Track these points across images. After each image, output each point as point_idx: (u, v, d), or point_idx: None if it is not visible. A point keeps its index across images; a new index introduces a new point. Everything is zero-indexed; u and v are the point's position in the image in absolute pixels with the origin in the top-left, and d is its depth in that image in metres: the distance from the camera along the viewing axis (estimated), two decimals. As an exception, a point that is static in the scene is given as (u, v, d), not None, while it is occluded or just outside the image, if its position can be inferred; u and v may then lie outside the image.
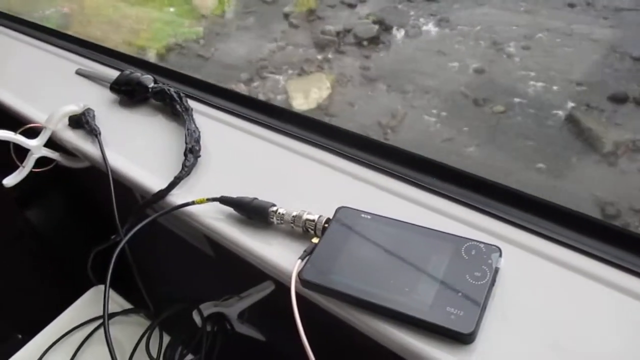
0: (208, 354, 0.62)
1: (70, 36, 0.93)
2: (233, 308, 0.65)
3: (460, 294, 0.42)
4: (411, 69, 1.94)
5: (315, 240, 0.50)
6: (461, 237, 0.46)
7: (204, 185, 0.61)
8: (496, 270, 0.44)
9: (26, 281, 1.05)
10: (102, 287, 0.80)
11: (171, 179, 0.60)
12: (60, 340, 0.72)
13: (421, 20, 2.18)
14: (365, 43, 2.09)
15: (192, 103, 0.71)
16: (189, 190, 0.60)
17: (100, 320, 0.74)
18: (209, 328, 0.64)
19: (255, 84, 2.02)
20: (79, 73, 0.85)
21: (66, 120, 0.74)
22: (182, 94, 0.70)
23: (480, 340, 0.41)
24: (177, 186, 0.60)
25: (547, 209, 0.49)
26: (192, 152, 0.62)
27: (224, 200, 0.56)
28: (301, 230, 0.52)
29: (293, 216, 0.52)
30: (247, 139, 0.66)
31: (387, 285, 0.44)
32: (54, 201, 1.08)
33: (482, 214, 0.50)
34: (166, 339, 0.67)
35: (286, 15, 2.42)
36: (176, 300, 0.70)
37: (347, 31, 2.17)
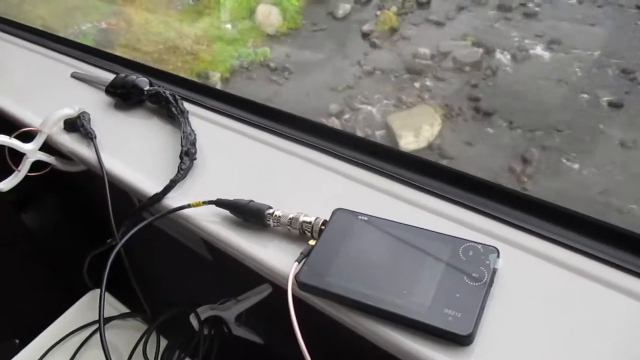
0: (205, 358, 0.62)
1: (65, 39, 0.93)
2: (230, 311, 0.65)
3: (458, 295, 0.42)
4: (531, 101, 1.63)
5: (312, 242, 0.49)
6: (458, 238, 0.46)
7: (200, 188, 0.60)
8: (494, 271, 0.43)
9: (22, 285, 1.04)
10: (98, 291, 0.80)
11: (167, 182, 0.59)
12: (57, 345, 0.72)
13: (527, 42, 1.88)
14: (467, 69, 1.85)
15: (187, 105, 0.71)
16: (185, 193, 0.60)
17: (96, 326, 0.73)
18: (206, 331, 0.63)
19: (346, 116, 1.76)
20: (74, 76, 0.85)
21: (61, 124, 0.74)
22: (177, 97, 0.70)
23: (478, 341, 0.41)
24: (173, 189, 0.60)
25: (544, 209, 0.49)
26: (187, 155, 0.62)
27: (220, 203, 0.55)
28: (298, 232, 0.51)
29: (289, 218, 0.51)
30: (243, 141, 0.66)
31: (385, 287, 0.44)
32: (49, 205, 1.08)
33: (480, 214, 0.50)
34: (163, 342, 0.67)
35: (365, 35, 2.15)
36: (173, 303, 0.69)
37: (444, 54, 1.91)
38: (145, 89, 0.73)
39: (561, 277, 0.44)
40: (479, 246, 0.45)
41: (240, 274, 0.76)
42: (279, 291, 0.65)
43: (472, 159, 1.55)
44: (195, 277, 0.94)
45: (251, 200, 0.54)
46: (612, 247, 0.45)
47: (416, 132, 1.63)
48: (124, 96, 0.75)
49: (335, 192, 0.56)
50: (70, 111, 0.73)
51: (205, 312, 0.64)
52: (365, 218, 0.50)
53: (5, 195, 0.95)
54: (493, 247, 0.45)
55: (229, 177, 0.61)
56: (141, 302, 0.69)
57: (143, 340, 0.65)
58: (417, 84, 1.84)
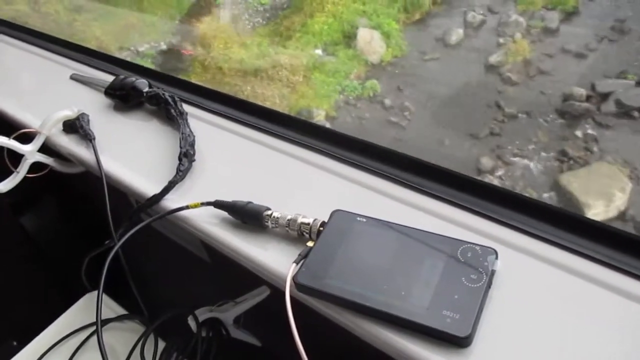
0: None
1: (64, 41, 0.93)
2: (228, 313, 0.65)
3: (456, 297, 0.42)
4: None
5: (310, 244, 0.49)
6: (457, 239, 0.46)
7: (198, 190, 0.60)
8: (492, 273, 0.43)
9: (20, 288, 1.04)
10: (96, 293, 0.79)
11: (165, 183, 0.59)
12: (54, 347, 0.71)
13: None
14: (636, 114, 1.48)
15: (186, 107, 0.71)
16: (184, 195, 0.60)
17: (94, 327, 0.73)
18: (204, 333, 0.63)
19: (499, 172, 1.35)
20: (73, 78, 0.85)
21: (60, 126, 0.74)
22: (176, 98, 0.70)
23: (477, 343, 0.41)
24: (172, 190, 0.60)
25: (542, 210, 0.48)
26: (186, 156, 0.62)
27: (218, 205, 0.55)
28: (296, 234, 0.51)
29: (288, 220, 0.51)
30: (242, 143, 0.66)
31: (383, 288, 0.44)
32: (48, 208, 1.08)
33: (478, 216, 0.50)
34: (161, 344, 0.67)
35: (492, 67, 1.71)
36: (171, 306, 0.69)
37: (603, 95, 1.48)
38: (145, 90, 0.73)
39: (560, 279, 0.44)
40: (477, 247, 0.45)
41: (239, 276, 0.76)
42: (277, 293, 0.65)
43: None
44: (193, 280, 0.93)
45: (249, 202, 0.54)
46: (611, 249, 0.45)
47: (607, 200, 1.25)
48: (123, 98, 0.75)
49: (333, 193, 0.56)
50: (69, 113, 0.73)
51: (203, 314, 0.64)
52: (364, 219, 0.50)
53: (4, 197, 0.95)
54: (491, 248, 0.45)
55: (227, 179, 0.61)
56: (139, 304, 0.69)
57: (141, 342, 0.64)
58: (578, 133, 1.47)
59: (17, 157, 0.72)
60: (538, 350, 0.40)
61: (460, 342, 0.40)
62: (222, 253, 0.79)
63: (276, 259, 0.50)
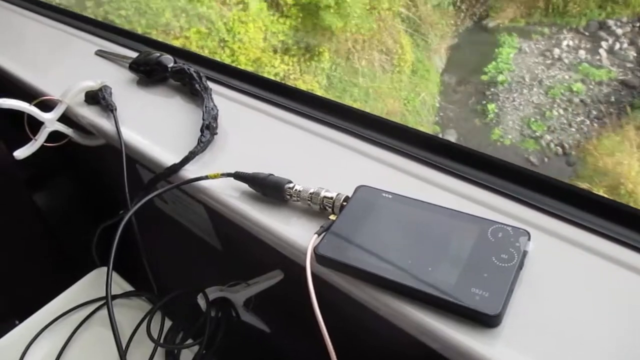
0: (210, 340, 0.59)
1: (90, 18, 0.93)
2: (239, 294, 0.63)
3: (485, 275, 0.40)
4: None
5: (332, 217, 0.48)
6: (487, 219, 0.44)
7: (219, 163, 0.59)
8: (524, 254, 0.41)
9: (29, 266, 1.03)
10: (104, 269, 0.78)
11: (186, 154, 0.58)
12: (58, 320, 0.70)
13: None
14: None
15: (211, 85, 0.70)
16: (204, 167, 0.58)
17: (100, 302, 0.71)
18: (213, 313, 0.61)
19: None
20: (98, 54, 0.85)
21: (82, 96, 0.73)
22: (201, 74, 0.69)
23: (506, 324, 0.38)
24: (192, 161, 0.58)
25: (577, 196, 0.46)
26: (208, 129, 0.61)
27: (238, 176, 0.54)
28: (318, 207, 0.49)
29: (310, 193, 0.50)
30: (266, 120, 0.64)
31: (408, 263, 0.42)
32: (62, 184, 1.07)
33: (510, 199, 0.48)
34: (168, 324, 0.65)
35: None
36: (176, 285, 0.67)
37: None
38: (170, 65, 0.72)
39: (593, 264, 0.42)
40: (509, 228, 0.43)
41: (251, 264, 0.74)
42: (291, 279, 0.63)
43: None
44: (205, 266, 0.92)
45: (271, 174, 0.53)
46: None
47: None
48: (148, 73, 0.75)
49: (357, 172, 0.54)
50: (92, 83, 0.72)
51: (213, 292, 0.62)
52: (390, 196, 0.48)
53: (18, 172, 0.94)
54: (524, 229, 0.43)
55: (249, 153, 0.60)
56: (148, 281, 0.68)
57: (147, 319, 0.62)
58: None
59: (37, 126, 0.72)
60: (570, 336, 0.38)
61: (489, 321, 0.38)
62: (234, 240, 0.78)
63: (297, 232, 0.49)
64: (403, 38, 4.46)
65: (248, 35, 4.11)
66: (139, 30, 3.94)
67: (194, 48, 3.96)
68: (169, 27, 4.05)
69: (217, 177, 0.54)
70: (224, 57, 4.04)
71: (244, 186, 0.54)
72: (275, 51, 4.18)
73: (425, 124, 4.17)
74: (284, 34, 4.27)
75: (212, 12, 4.09)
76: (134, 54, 0.80)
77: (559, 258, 0.43)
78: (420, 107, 4.25)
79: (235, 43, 4.06)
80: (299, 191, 0.50)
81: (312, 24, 4.24)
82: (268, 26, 4.19)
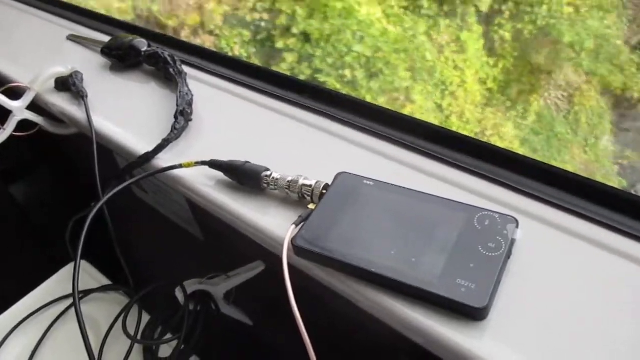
0: (189, 334, 0.57)
1: (61, 2, 0.89)
2: (219, 287, 0.60)
3: (472, 265, 0.38)
4: None
5: (311, 206, 0.45)
6: (473, 206, 0.42)
7: (194, 150, 0.56)
8: (512, 242, 0.39)
9: (6, 259, 0.99)
10: (81, 261, 0.75)
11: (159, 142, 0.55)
12: (32, 317, 0.67)
13: None
14: None
15: (186, 69, 0.67)
16: (178, 155, 0.56)
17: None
18: (191, 307, 0.59)
19: None
20: (70, 39, 0.81)
21: (52, 83, 0.70)
22: (176, 58, 0.66)
23: (493, 316, 0.36)
24: (165, 149, 0.55)
25: (565, 180, 0.44)
26: (182, 115, 0.58)
27: (213, 164, 0.51)
28: (297, 196, 0.47)
29: (288, 181, 0.47)
30: (242, 105, 0.61)
31: (391, 254, 0.40)
32: (38, 175, 1.03)
33: (497, 185, 0.46)
34: (145, 318, 0.62)
35: None
36: (156, 278, 0.65)
37: None
38: (143, 49, 0.69)
39: (584, 251, 0.40)
40: (497, 215, 0.41)
41: (233, 255, 0.71)
42: (273, 270, 0.61)
43: None
44: (185, 257, 0.89)
45: (247, 162, 0.50)
46: (636, 220, 0.41)
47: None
48: (121, 57, 0.71)
49: (338, 157, 0.52)
50: (62, 69, 0.69)
51: (192, 285, 0.59)
52: (371, 183, 0.46)
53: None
54: (511, 216, 0.40)
55: (225, 140, 0.57)
56: (125, 274, 0.65)
57: (123, 314, 0.60)
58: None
59: (4, 115, 0.68)
60: (560, 328, 0.36)
61: (476, 314, 0.36)
62: (216, 231, 0.75)
63: (274, 222, 0.46)
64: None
65: (465, 86, 3.09)
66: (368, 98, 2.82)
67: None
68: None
69: (191, 165, 0.52)
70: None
71: (220, 175, 0.51)
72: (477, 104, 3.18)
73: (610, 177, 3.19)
74: (493, 79, 3.24)
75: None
76: (106, 38, 0.77)
77: (548, 246, 0.41)
78: (601, 154, 3.28)
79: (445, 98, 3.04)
80: (277, 179, 0.48)
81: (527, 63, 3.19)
82: (477, 70, 3.22)
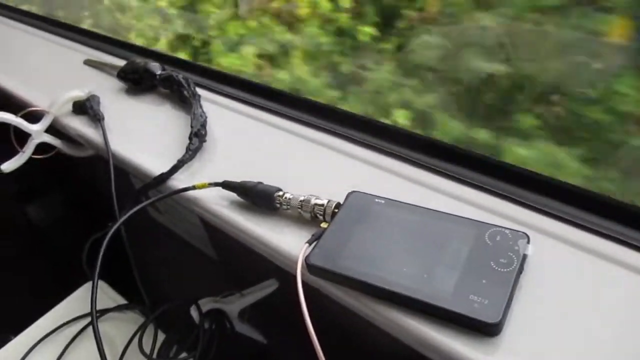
0: (204, 353, 0.58)
1: (78, 28, 0.92)
2: (234, 305, 0.61)
3: (484, 281, 0.38)
4: None
5: (324, 225, 0.46)
6: (484, 222, 0.42)
7: (208, 171, 0.57)
8: (524, 257, 0.39)
9: (22, 280, 1.01)
10: (98, 282, 0.76)
11: (174, 163, 0.57)
12: (50, 336, 0.68)
13: None
14: None
15: (200, 91, 0.69)
16: (193, 176, 0.57)
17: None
18: (206, 325, 0.59)
19: None
20: (87, 63, 0.84)
21: (70, 106, 0.72)
22: (190, 80, 0.67)
23: (506, 332, 0.37)
24: (180, 170, 0.57)
25: (577, 196, 0.45)
26: (197, 136, 0.59)
27: (226, 185, 0.52)
28: (309, 216, 0.48)
29: (300, 201, 0.48)
30: (256, 126, 0.63)
31: (404, 271, 0.40)
32: (53, 196, 1.05)
33: (506, 200, 0.46)
34: (161, 337, 0.63)
35: None
36: (174, 298, 0.66)
37: None
38: (158, 73, 0.71)
39: (596, 266, 0.40)
40: (507, 231, 0.41)
41: (247, 274, 0.72)
42: (286, 287, 0.61)
43: None
44: (200, 277, 0.90)
45: (260, 182, 0.51)
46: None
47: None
48: (136, 81, 0.73)
49: (349, 176, 0.53)
50: (79, 93, 0.71)
51: (207, 304, 0.60)
52: (382, 201, 0.46)
53: (10, 185, 0.92)
54: (522, 232, 0.41)
55: (239, 161, 0.58)
56: (140, 294, 0.66)
57: (139, 333, 0.61)
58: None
59: (24, 137, 0.70)
60: (573, 343, 0.36)
61: (489, 330, 0.36)
62: (229, 250, 0.76)
63: (288, 241, 0.47)
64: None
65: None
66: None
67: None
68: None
69: (204, 187, 0.53)
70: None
71: (233, 195, 0.52)
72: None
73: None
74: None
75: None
76: (122, 62, 0.79)
77: (560, 261, 0.41)
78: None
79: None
80: (289, 199, 0.49)
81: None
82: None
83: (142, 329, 0.61)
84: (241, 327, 0.63)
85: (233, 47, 1.18)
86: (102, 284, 0.77)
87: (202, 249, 0.81)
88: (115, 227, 0.51)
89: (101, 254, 0.49)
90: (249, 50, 1.16)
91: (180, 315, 0.64)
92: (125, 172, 0.66)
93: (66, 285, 0.82)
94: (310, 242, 0.44)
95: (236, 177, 0.53)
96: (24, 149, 0.70)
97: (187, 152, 0.57)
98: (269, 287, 0.61)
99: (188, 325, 0.62)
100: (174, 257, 0.95)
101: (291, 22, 1.15)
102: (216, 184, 0.53)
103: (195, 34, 1.24)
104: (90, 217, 0.96)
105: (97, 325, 0.49)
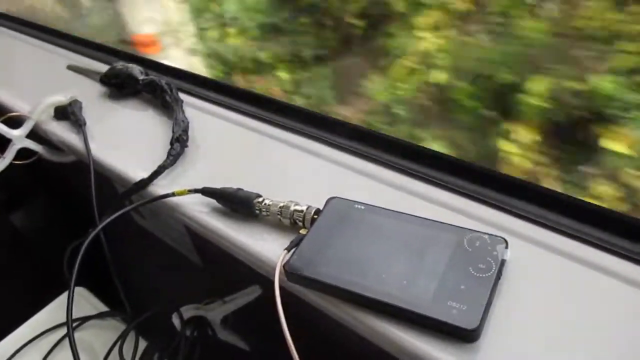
0: (186, 361, 0.57)
1: (61, 32, 0.91)
2: (216, 312, 0.60)
3: (463, 287, 0.38)
4: None
5: (303, 231, 0.46)
6: (463, 227, 0.42)
7: (190, 177, 0.57)
8: (502, 263, 0.39)
9: (8, 285, 0.99)
10: (78, 289, 0.75)
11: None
12: (28, 345, 0.67)
13: None
14: None
15: (183, 96, 0.68)
16: (174, 181, 0.56)
17: (75, 324, 0.69)
18: (188, 333, 0.59)
19: None
20: (70, 68, 0.83)
21: (51, 112, 0.71)
22: (172, 86, 0.67)
23: (485, 338, 0.36)
24: (161, 176, 0.56)
25: (555, 200, 0.45)
26: (179, 141, 0.58)
27: (206, 192, 0.52)
28: (289, 222, 0.47)
29: (280, 207, 0.48)
30: (237, 131, 0.62)
31: (383, 278, 0.40)
32: (37, 204, 1.04)
33: (485, 205, 0.46)
34: (142, 344, 0.62)
35: None
36: (155, 304, 0.65)
37: None
38: (140, 78, 0.70)
39: (574, 270, 0.40)
40: (486, 236, 0.41)
41: (231, 280, 0.71)
42: (269, 294, 0.61)
43: None
44: (184, 283, 0.89)
45: (239, 189, 0.51)
46: (625, 239, 0.41)
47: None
48: (119, 86, 0.73)
49: (329, 181, 0.53)
50: (61, 98, 0.70)
51: (189, 311, 0.59)
52: (362, 207, 0.46)
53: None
54: (501, 237, 0.41)
55: (220, 167, 0.58)
56: (121, 300, 0.65)
57: (120, 341, 0.60)
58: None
59: (5, 143, 0.70)
60: (553, 348, 0.36)
61: (467, 336, 0.36)
62: (214, 256, 0.75)
63: (268, 248, 0.47)
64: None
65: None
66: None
67: None
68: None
69: (184, 193, 0.52)
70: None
71: (213, 202, 0.52)
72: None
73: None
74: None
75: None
76: (105, 67, 0.78)
77: (538, 266, 0.41)
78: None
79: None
80: (269, 205, 0.48)
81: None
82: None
83: (123, 336, 0.60)
84: (224, 334, 0.62)
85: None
86: (83, 291, 0.75)
87: (187, 255, 0.81)
88: (93, 233, 0.51)
89: (78, 261, 0.49)
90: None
91: (162, 322, 0.64)
92: (108, 177, 0.66)
93: (49, 293, 0.80)
94: (288, 249, 0.44)
95: (218, 182, 0.52)
96: (4, 155, 0.69)
97: (168, 157, 0.57)
98: (251, 293, 0.61)
99: (170, 332, 0.61)
100: (157, 263, 0.94)
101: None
102: (195, 191, 0.52)
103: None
104: (73, 222, 0.95)
105: (73, 336, 0.48)
